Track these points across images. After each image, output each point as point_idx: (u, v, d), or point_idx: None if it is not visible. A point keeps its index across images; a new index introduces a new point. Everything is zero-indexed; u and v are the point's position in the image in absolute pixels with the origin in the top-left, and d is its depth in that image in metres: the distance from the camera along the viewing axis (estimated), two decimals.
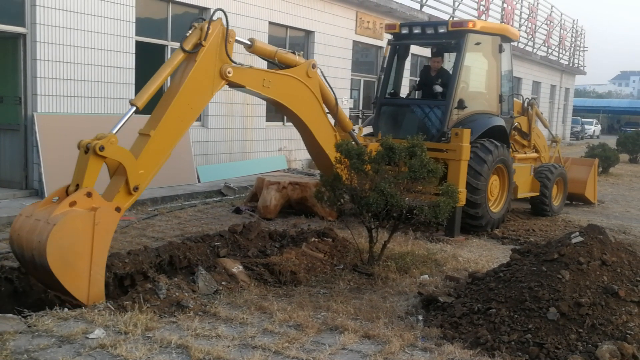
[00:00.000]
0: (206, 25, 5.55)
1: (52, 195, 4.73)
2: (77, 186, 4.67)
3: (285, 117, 14.54)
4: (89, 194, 4.60)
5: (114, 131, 4.95)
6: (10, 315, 4.40)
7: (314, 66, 6.92)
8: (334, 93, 7.37)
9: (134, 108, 5.20)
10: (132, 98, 5.23)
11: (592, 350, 4.01)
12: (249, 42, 6.36)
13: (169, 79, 5.61)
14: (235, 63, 5.90)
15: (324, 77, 7.17)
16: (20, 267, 4.90)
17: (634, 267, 4.66)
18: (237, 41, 6.14)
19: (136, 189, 5.01)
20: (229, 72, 5.79)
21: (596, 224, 5.13)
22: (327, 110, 7.38)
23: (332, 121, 7.57)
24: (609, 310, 4.27)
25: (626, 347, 3.95)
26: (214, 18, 5.65)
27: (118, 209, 4.82)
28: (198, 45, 5.54)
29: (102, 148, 4.67)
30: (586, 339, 4.13)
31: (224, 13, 5.75)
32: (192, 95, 5.56)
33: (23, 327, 4.21)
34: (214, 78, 5.73)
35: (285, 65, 6.74)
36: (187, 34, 5.55)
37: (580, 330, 4.19)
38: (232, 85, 6.05)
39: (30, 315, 4.42)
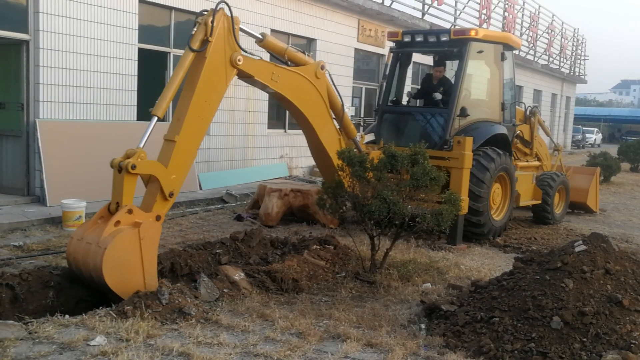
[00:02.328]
0: (210, 19, 5.51)
1: (97, 215, 5.02)
2: (117, 204, 4.95)
3: (286, 124, 14.57)
4: (130, 211, 4.92)
5: (141, 145, 5.11)
6: (11, 321, 4.38)
7: (322, 67, 6.93)
8: (340, 98, 7.36)
9: (156, 118, 5.26)
10: (151, 108, 5.34)
11: (596, 359, 3.99)
12: (260, 37, 6.36)
13: None
14: (245, 51, 5.91)
15: (332, 80, 7.18)
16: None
17: (638, 276, 4.64)
18: (249, 34, 6.15)
19: (171, 194, 5.25)
20: (239, 60, 5.80)
21: (599, 233, 5.11)
22: (333, 116, 7.38)
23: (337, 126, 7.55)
24: (613, 320, 4.25)
25: (631, 357, 3.93)
26: (217, 10, 5.56)
27: (158, 217, 5.14)
28: (205, 42, 5.52)
29: (134, 167, 4.88)
30: (590, 349, 4.10)
31: (227, 4, 5.70)
32: (209, 91, 5.60)
33: (24, 333, 4.19)
34: (226, 68, 5.75)
35: (293, 64, 6.75)
36: (193, 32, 5.52)
37: (584, 339, 4.17)
38: (242, 75, 6.04)
39: (31, 322, 4.40)
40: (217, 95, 5.75)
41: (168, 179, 5.21)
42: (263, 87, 6.49)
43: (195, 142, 5.56)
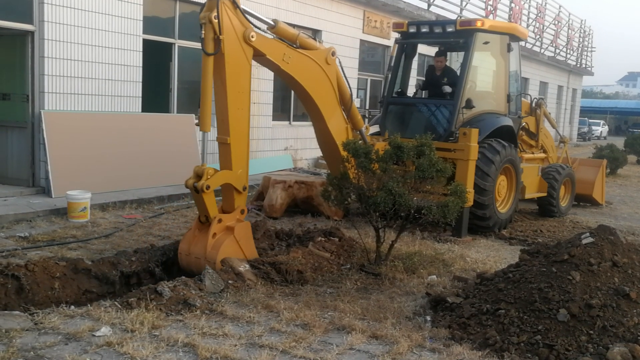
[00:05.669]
0: (213, 15, 5.45)
1: (194, 228, 5.78)
2: (206, 217, 5.65)
3: (291, 116, 14.53)
4: (219, 220, 5.66)
5: (205, 162, 5.43)
6: (17, 312, 4.40)
7: (333, 54, 6.90)
8: (349, 88, 7.32)
9: (207, 134, 5.50)
10: (197, 123, 5.82)
11: (602, 352, 3.97)
12: (272, 23, 6.31)
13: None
14: (257, 28, 5.93)
15: (342, 68, 7.13)
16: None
17: None
18: (261, 20, 6.13)
19: (245, 188, 5.89)
20: (252, 37, 5.82)
21: (607, 225, 5.08)
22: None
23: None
24: (620, 312, 4.22)
25: (637, 350, 3.90)
26: (218, 5, 5.49)
27: (243, 211, 5.90)
28: (217, 40, 5.51)
29: (208, 187, 5.47)
30: (597, 341, 4.08)
31: None
32: (238, 82, 5.77)
33: (30, 324, 4.21)
34: (244, 50, 5.80)
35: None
36: (202, 35, 5.49)
37: (591, 332, 4.15)
38: (254, 53, 6.01)
39: (36, 312, 4.42)
40: (246, 80, 5.89)
41: (237, 177, 5.79)
42: (274, 68, 6.44)
43: (245, 134, 5.92)
